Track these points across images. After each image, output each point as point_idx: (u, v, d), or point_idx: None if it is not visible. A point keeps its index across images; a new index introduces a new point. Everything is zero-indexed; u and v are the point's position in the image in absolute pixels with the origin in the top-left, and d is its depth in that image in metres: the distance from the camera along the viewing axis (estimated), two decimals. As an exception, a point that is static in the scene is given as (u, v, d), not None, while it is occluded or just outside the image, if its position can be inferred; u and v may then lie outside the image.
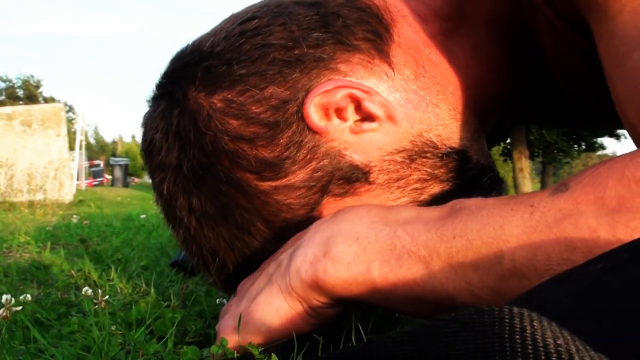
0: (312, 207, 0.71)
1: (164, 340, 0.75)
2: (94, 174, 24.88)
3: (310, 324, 0.68)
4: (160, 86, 0.78)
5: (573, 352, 0.31)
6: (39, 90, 68.76)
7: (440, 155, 0.74)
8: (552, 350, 0.31)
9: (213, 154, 0.71)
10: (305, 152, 0.70)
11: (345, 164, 0.71)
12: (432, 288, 0.60)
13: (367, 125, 0.71)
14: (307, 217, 0.71)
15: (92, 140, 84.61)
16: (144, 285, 1.17)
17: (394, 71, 0.73)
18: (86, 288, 1.04)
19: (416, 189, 0.74)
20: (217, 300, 1.02)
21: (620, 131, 24.78)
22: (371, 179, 0.71)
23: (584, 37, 0.69)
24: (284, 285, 0.67)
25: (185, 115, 0.72)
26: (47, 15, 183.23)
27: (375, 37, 0.74)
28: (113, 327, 0.79)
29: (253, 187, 0.70)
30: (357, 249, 0.64)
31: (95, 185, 21.89)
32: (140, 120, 0.79)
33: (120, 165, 25.22)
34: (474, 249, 0.58)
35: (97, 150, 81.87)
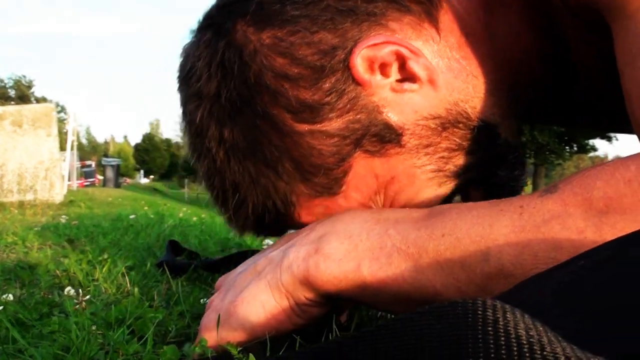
0: (343, 158, 0.71)
1: (144, 340, 0.75)
2: (85, 174, 24.84)
3: (294, 322, 0.68)
4: (208, 17, 0.77)
5: (545, 343, 0.32)
6: (31, 91, 68.58)
7: (471, 127, 0.74)
8: (525, 342, 0.32)
9: (254, 87, 0.70)
10: (345, 101, 0.69)
11: (381, 122, 0.70)
12: (419, 285, 0.61)
13: (407, 85, 0.71)
14: (335, 166, 0.71)
15: (84, 141, 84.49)
16: (128, 285, 1.17)
17: (440, 37, 0.73)
18: (69, 288, 1.03)
19: (443, 157, 0.74)
20: (202, 300, 1.02)
21: (611, 133, 24.89)
22: (402, 142, 0.71)
23: (593, 34, 0.69)
24: (274, 280, 0.67)
25: (232, 47, 0.72)
26: (47, 15, 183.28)
27: (426, 0, 0.74)
28: (93, 327, 0.78)
29: (288, 127, 0.70)
30: (349, 246, 0.65)
31: (86, 185, 21.84)
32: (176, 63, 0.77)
33: (112, 165, 25.21)
34: (462, 247, 0.59)
35: (89, 150, 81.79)
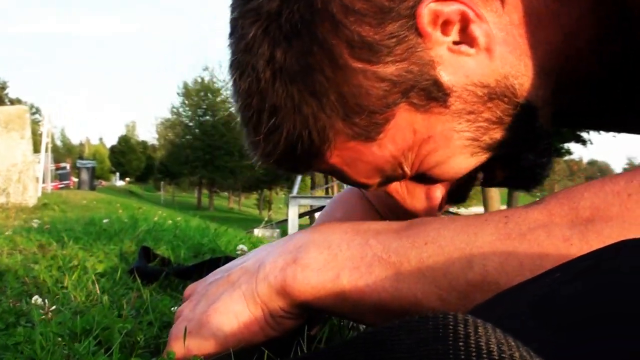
0: (388, 105, 0.69)
1: (111, 351, 0.73)
2: (60, 176, 24.72)
3: (266, 334, 0.67)
4: None
5: (517, 358, 0.31)
6: (5, 92, 67.89)
7: (515, 103, 0.73)
8: (497, 357, 0.31)
9: (319, 13, 0.67)
10: (404, 48, 0.68)
11: (432, 78, 0.69)
12: (400, 294, 0.61)
13: (465, 48, 0.70)
14: (379, 111, 0.69)
15: (58, 143, 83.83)
16: (98, 292, 1.15)
17: (503, 11, 0.72)
18: (36, 297, 1.01)
19: (481, 127, 0.73)
20: (172, 308, 1.01)
21: (586, 136, 25.17)
22: (448, 103, 0.70)
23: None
24: (249, 291, 0.67)
25: None
26: (47, 15, 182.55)
27: None
28: (59, 338, 0.77)
29: (343, 61, 0.68)
30: (328, 256, 0.65)
31: (61, 188, 21.71)
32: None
33: (87, 168, 25.06)
34: (446, 255, 0.59)
35: (64, 152, 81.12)
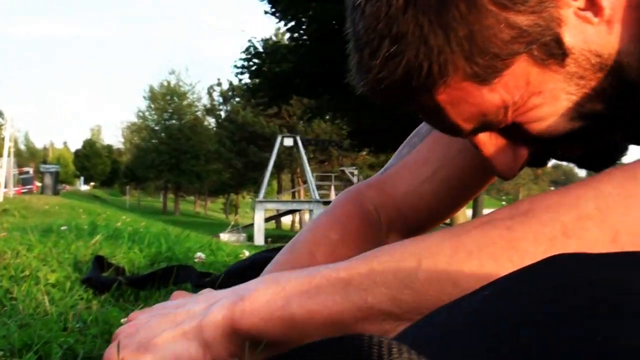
0: (511, 53, 0.70)
1: (51, 367, 0.73)
2: (23, 181, 24.41)
3: None
4: None
5: None
6: (-34, 95, 66.97)
7: (621, 80, 0.74)
8: None
9: None
10: (537, 1, 0.69)
11: (555, 35, 0.70)
12: (350, 303, 0.60)
13: (590, 15, 0.71)
14: (503, 57, 0.70)
15: (22, 147, 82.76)
16: (47, 304, 1.13)
17: None
18: (-21, 310, 1.00)
19: (587, 94, 0.74)
20: (122, 320, 0.99)
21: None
22: (565, 63, 0.72)
23: None
24: (193, 332, 0.66)
25: None
26: (46, 15, 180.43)
27: None
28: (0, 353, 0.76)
29: (480, 0, 0.68)
30: (276, 289, 0.64)
31: (24, 192, 21.41)
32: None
33: (50, 172, 24.78)
34: (396, 260, 0.60)
35: (28, 156, 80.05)
